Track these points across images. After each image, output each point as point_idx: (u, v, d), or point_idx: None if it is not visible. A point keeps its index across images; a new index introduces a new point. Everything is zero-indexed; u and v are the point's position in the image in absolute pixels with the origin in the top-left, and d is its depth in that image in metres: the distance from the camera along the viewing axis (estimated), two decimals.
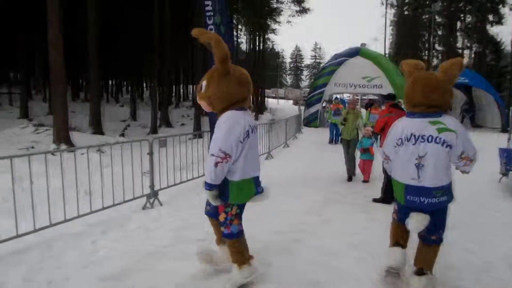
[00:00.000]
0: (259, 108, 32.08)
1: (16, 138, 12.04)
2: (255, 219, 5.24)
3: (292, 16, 35.56)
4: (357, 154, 8.04)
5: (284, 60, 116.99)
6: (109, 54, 24.65)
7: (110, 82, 43.39)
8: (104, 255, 4.06)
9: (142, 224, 5.01)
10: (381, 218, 5.45)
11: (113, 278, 3.54)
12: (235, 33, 43.27)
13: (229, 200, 3.15)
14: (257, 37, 33.89)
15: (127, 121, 22.53)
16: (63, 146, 10.23)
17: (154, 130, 18.40)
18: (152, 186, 5.78)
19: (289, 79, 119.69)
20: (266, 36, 37.59)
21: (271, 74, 79.24)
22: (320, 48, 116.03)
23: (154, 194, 5.79)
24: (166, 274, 3.63)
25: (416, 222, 3.17)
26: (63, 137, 10.67)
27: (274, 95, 69.96)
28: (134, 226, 4.95)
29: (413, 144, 3.19)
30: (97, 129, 14.79)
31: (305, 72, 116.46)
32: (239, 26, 38.89)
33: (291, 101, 58.51)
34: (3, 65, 30.91)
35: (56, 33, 10.14)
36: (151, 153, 5.78)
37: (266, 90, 57.21)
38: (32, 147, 10.95)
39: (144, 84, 46.26)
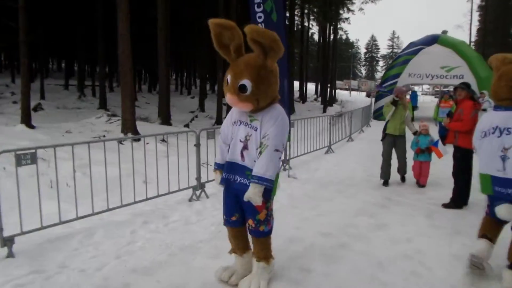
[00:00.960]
0: (328, 100, 31.17)
1: (91, 127, 12.85)
2: (303, 219, 4.95)
3: (366, 3, 33.83)
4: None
5: (358, 51, 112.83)
6: (181, 46, 25.46)
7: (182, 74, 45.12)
8: (140, 246, 4.04)
9: (184, 216, 4.95)
10: (445, 225, 4.83)
11: (142, 271, 3.48)
12: (306, 24, 42.50)
13: (272, 194, 3.08)
14: (329, 27, 32.79)
15: (195, 112, 23.15)
16: (129, 135, 10.66)
17: (218, 122, 18.66)
18: (198, 178, 5.71)
19: (363, 70, 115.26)
20: (338, 26, 36.28)
21: (344, 65, 76.84)
22: (398, 37, 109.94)
23: (200, 186, 5.71)
24: (195, 271, 3.49)
25: (506, 213, 3.24)
26: (130, 127, 11.13)
27: (346, 87, 67.79)
28: (176, 217, 4.90)
29: (498, 137, 3.31)
30: (165, 120, 15.30)
31: (381, 63, 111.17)
32: (310, 16, 38.06)
33: (364, 93, 56.23)
34: (89, 60, 33.50)
35: (124, 27, 10.56)
36: (198, 145, 5.71)
37: (338, 82, 55.63)
38: (104, 136, 11.60)
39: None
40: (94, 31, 20.77)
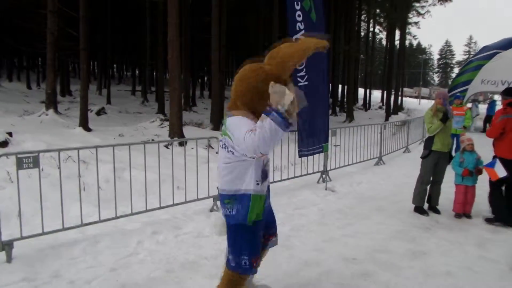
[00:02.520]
0: (393, 108, 29.49)
1: (143, 131, 13.19)
2: (328, 239, 4.42)
3: (433, 5, 31.65)
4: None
5: (431, 57, 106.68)
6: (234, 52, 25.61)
7: None
8: (140, 258, 3.79)
9: (198, 228, 4.64)
10: (499, 257, 4.01)
11: (133, 287, 3.21)
12: (371, 29, 40.93)
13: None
14: (395, 31, 31.15)
15: None
16: (176, 140, 10.71)
17: None
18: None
19: (436, 78, 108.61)
20: (406, 30, 34.38)
21: (414, 72, 72.89)
22: (475, 42, 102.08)
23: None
24: None
25: None
26: (176, 132, 11.21)
27: (416, 95, 64.14)
28: (189, 229, 4.61)
29: None
30: (217, 125, 15.32)
31: (456, 70, 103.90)
32: (377, 20, 36.55)
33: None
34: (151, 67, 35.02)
35: (174, 33, 10.68)
36: None
37: (407, 89, 52.68)
38: (153, 140, 11.80)
39: None
40: (155, 38, 21.58)
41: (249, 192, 2.47)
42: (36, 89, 26.76)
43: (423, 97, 61.79)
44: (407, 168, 8.85)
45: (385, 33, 39.09)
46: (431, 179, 5.51)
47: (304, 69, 6.04)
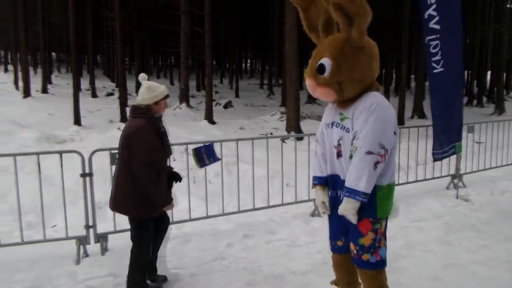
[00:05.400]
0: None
1: (263, 124, 13.29)
2: (451, 265, 3.55)
3: None
4: None
5: None
6: None
7: None
8: (224, 265, 3.55)
9: (293, 234, 4.21)
10: None
11: None
12: None
13: (381, 214, 2.33)
14: None
15: None
16: (292, 134, 10.43)
17: None
18: None
19: None
20: None
21: None
22: None
23: None
24: None
25: None
26: (293, 125, 10.92)
27: None
28: (283, 235, 4.21)
29: None
30: None
31: None
32: None
33: None
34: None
35: (292, 23, 10.34)
36: None
37: None
38: (271, 133, 11.76)
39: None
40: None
41: None
42: (178, 85, 29.66)
43: None
44: None
45: None
46: None
47: (440, 52, 5.03)
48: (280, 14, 20.52)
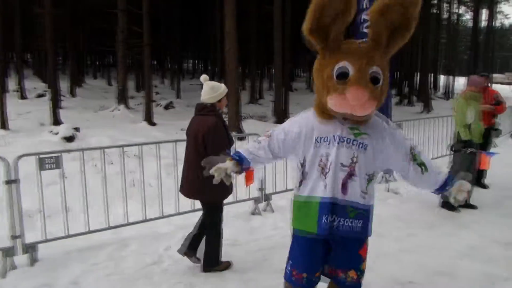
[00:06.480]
0: None
1: None
2: (381, 255, 3.75)
3: None
4: None
5: None
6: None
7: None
8: (163, 268, 3.52)
9: (234, 234, 4.23)
10: None
11: None
12: (455, 10, 37.32)
13: (371, 231, 2.34)
14: (481, 11, 27.97)
15: None
16: (234, 134, 10.49)
17: None
18: (263, 188, 4.94)
19: None
20: (496, 10, 30.79)
21: (506, 56, 65.57)
22: None
23: (265, 198, 4.93)
24: None
25: None
26: (233, 125, 10.98)
27: (508, 81, 57.66)
28: (224, 235, 4.21)
29: None
30: (280, 118, 14.89)
31: None
32: None
33: None
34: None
35: (231, 24, 10.42)
36: None
37: (497, 75, 47.48)
38: None
39: None
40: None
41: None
42: (116, 86, 28.51)
43: None
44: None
45: (471, 13, 35.41)
46: None
47: None
48: (222, 14, 20.65)
